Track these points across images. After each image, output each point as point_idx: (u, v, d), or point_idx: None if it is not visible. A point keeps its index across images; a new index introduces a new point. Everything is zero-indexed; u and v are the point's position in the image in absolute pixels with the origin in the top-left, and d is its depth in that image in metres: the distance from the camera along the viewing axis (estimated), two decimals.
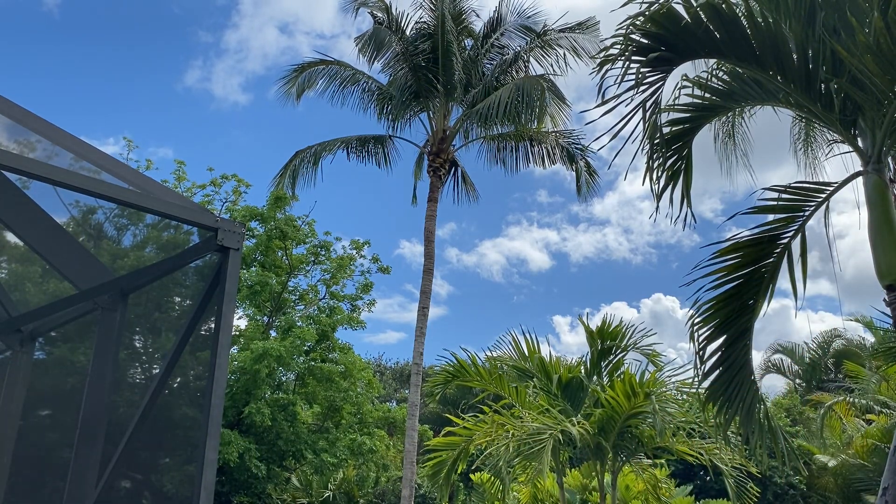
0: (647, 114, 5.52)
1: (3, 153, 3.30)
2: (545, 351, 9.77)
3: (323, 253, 20.22)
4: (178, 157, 39.14)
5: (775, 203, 5.96)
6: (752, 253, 6.02)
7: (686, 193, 6.75)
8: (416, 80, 19.46)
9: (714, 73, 6.55)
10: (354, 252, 21.81)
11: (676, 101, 6.69)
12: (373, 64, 19.20)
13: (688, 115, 6.64)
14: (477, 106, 18.96)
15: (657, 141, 6.25)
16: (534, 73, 19.42)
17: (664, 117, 6.57)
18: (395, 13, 19.45)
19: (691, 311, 6.21)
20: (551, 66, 19.37)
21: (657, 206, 6.73)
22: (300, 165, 20.24)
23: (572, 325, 55.50)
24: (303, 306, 21.04)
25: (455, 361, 8.34)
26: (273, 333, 19.64)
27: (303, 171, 20.28)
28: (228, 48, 45.61)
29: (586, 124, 15.63)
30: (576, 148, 20.85)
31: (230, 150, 46.46)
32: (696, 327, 6.25)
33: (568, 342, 53.35)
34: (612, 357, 8.28)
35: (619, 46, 5.35)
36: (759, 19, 5.42)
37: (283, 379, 19.20)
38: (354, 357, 19.43)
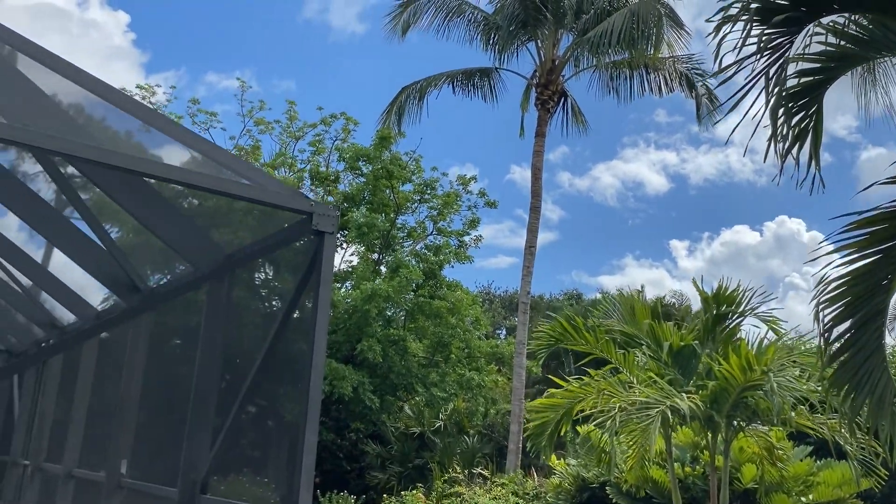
0: (772, 84, 4.93)
1: (125, 157, 3.48)
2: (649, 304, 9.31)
3: (429, 192, 20.23)
4: (299, 89, 40.10)
5: None
6: (891, 227, 5.38)
7: (815, 154, 6.07)
8: (524, 8, 18.62)
9: (854, 19, 5.76)
10: (461, 188, 21.67)
11: (807, 50, 5.97)
12: None
13: (819, 65, 5.91)
14: (588, 34, 17.98)
15: (783, 100, 5.61)
16: None
17: (791, 68, 5.89)
18: None
19: (816, 290, 5.69)
20: None
21: (781, 169, 6.13)
22: (406, 102, 20.08)
23: (690, 250, 53.44)
24: (410, 242, 21.29)
25: (559, 323, 8.15)
26: (383, 269, 20.06)
27: (409, 107, 20.13)
28: None
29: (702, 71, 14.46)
30: (695, 73, 19.52)
31: (347, 80, 46.87)
32: (821, 306, 5.72)
33: (685, 267, 51.50)
34: (727, 323, 7.83)
35: (739, 4, 4.75)
36: None
37: (393, 314, 19.64)
38: (462, 294, 19.60)
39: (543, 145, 19.53)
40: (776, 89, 4.86)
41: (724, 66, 4.86)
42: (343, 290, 19.13)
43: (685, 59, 18.98)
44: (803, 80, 5.86)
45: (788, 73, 5.71)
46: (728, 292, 7.76)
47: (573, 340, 7.92)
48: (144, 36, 40.98)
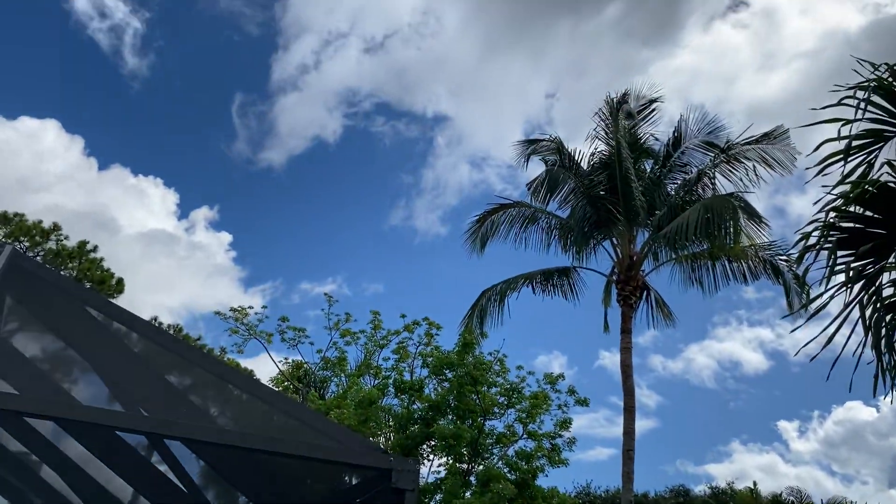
0: (868, 314, 4.62)
1: (228, 433, 3.65)
2: None
3: (515, 396, 19.76)
4: (387, 292, 41.98)
5: None
6: None
7: None
8: (596, 211, 19.06)
9: None
10: (549, 387, 21.08)
11: None
12: (548, 204, 19.16)
13: None
14: (664, 229, 18.06)
15: (881, 311, 5.24)
16: (721, 189, 18.30)
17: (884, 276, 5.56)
18: (567, 149, 19.45)
19: None
20: (740, 179, 18.15)
21: (893, 388, 5.59)
22: (487, 305, 20.26)
23: (801, 431, 49.37)
24: (500, 447, 20.48)
25: None
26: (472, 480, 19.17)
27: (490, 309, 20.27)
28: (427, 186, 49.33)
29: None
30: (781, 260, 19.05)
31: (432, 281, 48.90)
32: None
33: (798, 450, 47.27)
34: None
35: (818, 233, 4.59)
36: None
37: None
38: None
39: (630, 341, 19.03)
40: (872, 320, 4.53)
41: (812, 294, 4.62)
42: None
43: (767, 247, 18.63)
44: None
45: (883, 282, 5.39)
46: None
47: None
48: (244, 252, 44.39)
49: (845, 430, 48.52)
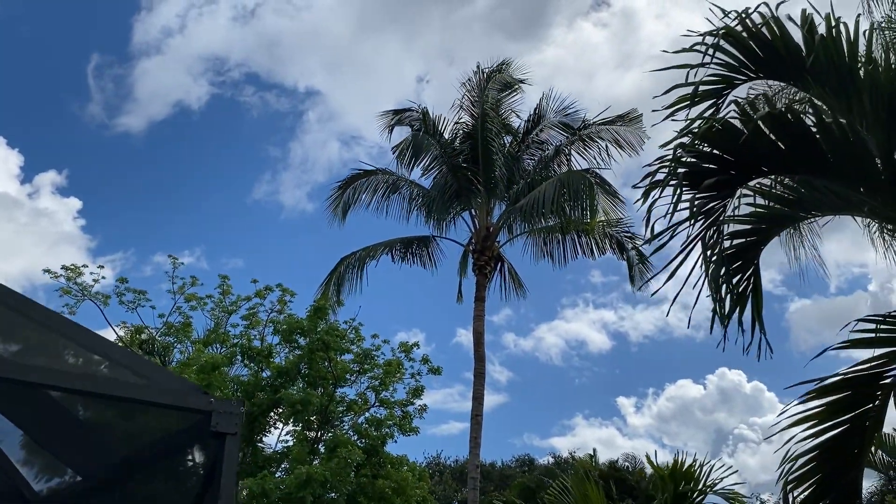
0: (709, 249, 4.68)
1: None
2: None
3: (369, 363, 19.47)
4: (247, 267, 40.20)
5: (873, 336, 4.96)
6: (853, 395, 4.99)
7: (758, 317, 5.78)
8: (457, 180, 19.07)
9: (780, 180, 5.71)
10: (403, 356, 20.96)
11: (737, 211, 5.85)
12: (412, 170, 18.93)
13: (750, 227, 5.78)
14: (520, 202, 18.35)
15: (721, 263, 5.38)
16: (577, 167, 18.83)
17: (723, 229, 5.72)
18: (432, 117, 19.26)
19: (782, 469, 5.16)
20: (594, 158, 18.75)
21: (725, 334, 5.78)
22: (345, 272, 19.84)
23: (637, 407, 53.01)
24: (351, 415, 20.16)
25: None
26: (321, 448, 18.74)
27: (348, 277, 19.86)
28: (294, 161, 47.54)
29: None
30: (625, 237, 19.92)
31: (295, 257, 47.47)
32: (790, 486, 5.17)
33: (635, 424, 50.70)
34: (687, 502, 7.18)
35: (666, 170, 4.59)
36: (835, 128, 4.61)
37: (333, 497, 18.13)
38: (408, 473, 18.33)
39: (483, 309, 19.29)
40: (713, 255, 4.59)
41: (656, 232, 4.62)
42: (277, 475, 17.68)
43: (615, 223, 19.40)
44: (736, 241, 5.69)
45: (723, 236, 5.53)
46: (685, 467, 7.16)
47: None
48: (94, 221, 41.06)
49: (676, 405, 52.58)
